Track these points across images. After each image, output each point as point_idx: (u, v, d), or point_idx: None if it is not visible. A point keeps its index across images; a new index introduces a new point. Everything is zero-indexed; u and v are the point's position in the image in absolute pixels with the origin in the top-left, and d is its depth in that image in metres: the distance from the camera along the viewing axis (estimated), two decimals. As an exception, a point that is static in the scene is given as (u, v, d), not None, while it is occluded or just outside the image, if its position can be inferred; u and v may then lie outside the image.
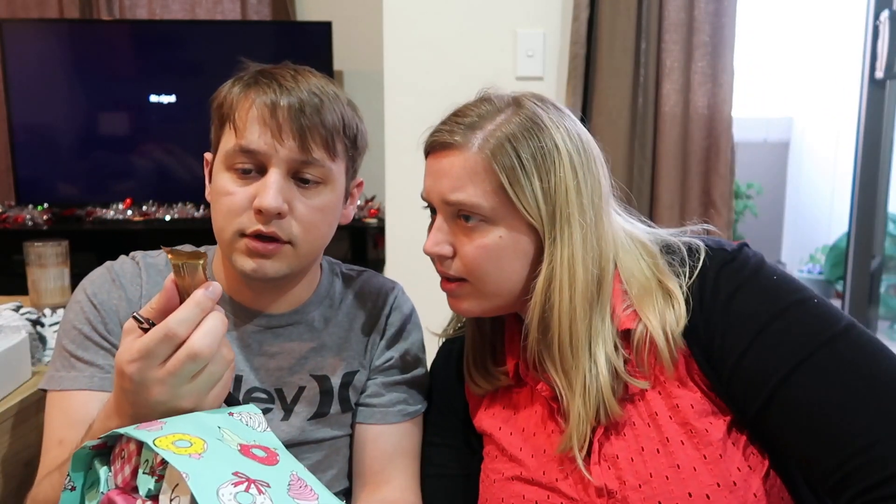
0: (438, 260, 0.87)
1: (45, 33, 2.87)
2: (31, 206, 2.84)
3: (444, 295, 0.93)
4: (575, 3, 1.90)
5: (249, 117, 0.84)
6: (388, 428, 0.97)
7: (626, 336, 0.84)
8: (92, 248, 2.36)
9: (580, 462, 0.82)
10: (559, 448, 0.84)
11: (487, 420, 0.94)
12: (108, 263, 0.95)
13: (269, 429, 0.72)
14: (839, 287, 3.04)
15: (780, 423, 0.77)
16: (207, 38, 2.88)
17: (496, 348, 0.95)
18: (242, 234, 0.85)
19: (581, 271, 0.81)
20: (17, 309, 1.24)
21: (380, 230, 2.69)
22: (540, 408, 0.89)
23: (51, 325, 1.26)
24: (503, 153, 0.81)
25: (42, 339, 1.22)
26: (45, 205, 2.88)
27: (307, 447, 0.95)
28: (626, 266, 0.85)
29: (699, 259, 0.84)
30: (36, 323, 1.22)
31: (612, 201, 0.89)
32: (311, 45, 2.85)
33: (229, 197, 0.85)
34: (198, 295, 0.68)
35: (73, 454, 0.66)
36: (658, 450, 0.81)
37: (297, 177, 0.86)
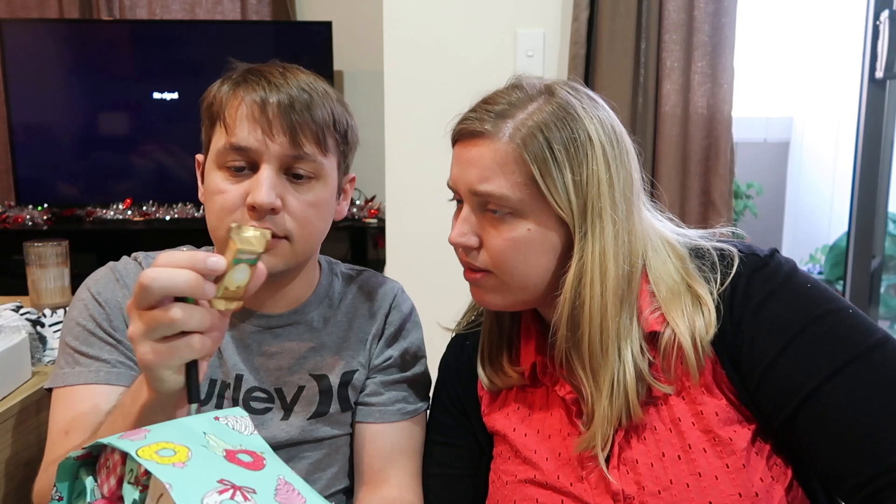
0: (463, 251, 0.85)
1: (45, 33, 2.87)
2: (31, 206, 2.85)
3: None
4: (575, 3, 1.90)
5: (239, 115, 0.84)
6: (386, 427, 0.97)
7: (651, 338, 0.82)
8: (92, 248, 2.37)
9: (602, 461, 0.80)
10: (579, 447, 0.82)
11: (501, 420, 0.92)
12: (110, 264, 0.96)
13: (255, 431, 0.71)
14: (839, 287, 3.04)
15: (810, 434, 0.75)
16: (207, 39, 2.88)
17: (513, 345, 0.93)
18: None
19: (612, 267, 0.79)
20: (17, 309, 1.24)
21: (380, 230, 2.69)
22: (557, 410, 0.88)
23: (51, 326, 1.26)
24: (534, 143, 0.78)
25: (42, 339, 1.22)
26: (45, 205, 2.88)
27: (307, 446, 0.95)
28: (654, 266, 0.83)
29: (732, 265, 0.81)
30: (36, 323, 1.22)
31: (643, 196, 0.87)
32: (311, 45, 2.85)
33: (222, 195, 0.85)
34: (199, 253, 0.63)
35: (59, 464, 0.65)
36: (679, 456, 0.79)
37: (290, 172, 0.86)
